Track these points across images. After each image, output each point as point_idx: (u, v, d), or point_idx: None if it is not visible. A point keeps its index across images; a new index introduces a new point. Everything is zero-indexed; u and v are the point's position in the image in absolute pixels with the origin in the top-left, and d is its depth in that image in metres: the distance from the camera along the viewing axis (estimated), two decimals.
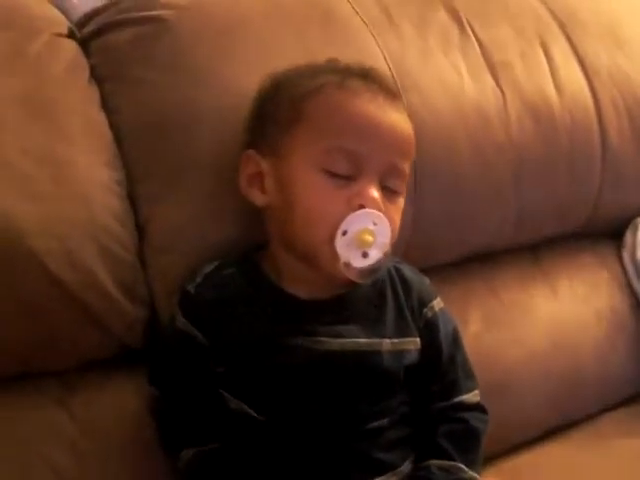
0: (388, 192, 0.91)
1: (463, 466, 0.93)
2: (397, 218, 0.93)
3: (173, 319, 0.95)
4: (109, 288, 0.93)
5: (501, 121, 1.20)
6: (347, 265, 0.87)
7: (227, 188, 0.98)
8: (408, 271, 1.00)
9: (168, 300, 0.97)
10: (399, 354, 0.93)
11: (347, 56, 1.01)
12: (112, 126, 1.00)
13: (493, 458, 1.13)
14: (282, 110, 0.92)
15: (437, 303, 0.99)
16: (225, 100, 1.00)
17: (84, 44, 1.05)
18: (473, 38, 1.23)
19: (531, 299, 1.29)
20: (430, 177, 1.12)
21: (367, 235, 0.86)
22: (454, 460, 0.93)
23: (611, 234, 1.43)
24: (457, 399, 0.97)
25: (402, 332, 0.95)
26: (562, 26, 1.33)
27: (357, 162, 0.89)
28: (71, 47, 1.03)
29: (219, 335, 0.92)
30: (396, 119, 0.92)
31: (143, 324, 0.98)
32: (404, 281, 0.98)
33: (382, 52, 1.13)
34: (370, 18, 1.16)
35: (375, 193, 0.88)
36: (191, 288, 0.94)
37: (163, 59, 1.02)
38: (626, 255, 1.40)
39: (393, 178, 0.92)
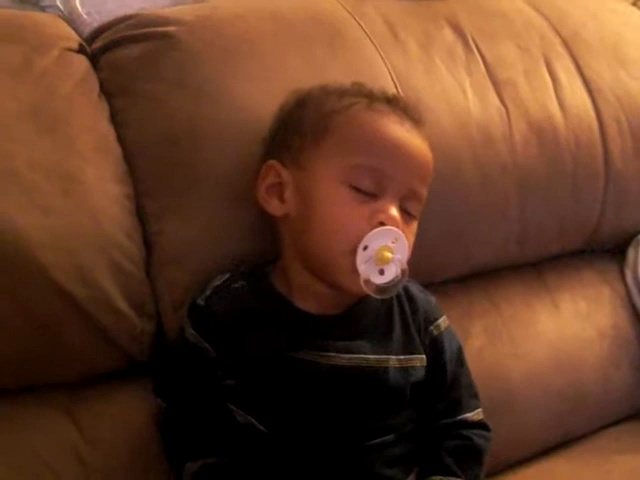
0: (405, 215, 0.92)
1: None
2: (411, 240, 0.94)
3: (182, 331, 0.95)
4: (117, 302, 0.94)
5: (505, 139, 1.20)
6: (367, 281, 0.87)
7: (235, 203, 0.99)
8: (415, 289, 1.00)
9: (175, 313, 0.98)
10: (405, 371, 0.94)
11: (353, 73, 1.02)
12: (121, 140, 1.01)
13: (495, 474, 1.13)
14: (309, 122, 0.93)
15: (443, 321, 1.00)
16: (232, 116, 1.01)
17: (94, 59, 1.06)
18: (478, 56, 1.24)
19: (534, 315, 1.29)
20: (434, 194, 1.11)
21: (387, 252, 0.87)
22: (457, 476, 0.94)
23: (613, 251, 1.43)
24: (461, 417, 0.98)
25: (409, 349, 0.95)
26: (566, 45, 1.33)
27: (381, 181, 0.90)
28: (81, 62, 1.04)
29: (228, 348, 0.92)
30: (420, 144, 0.94)
31: (150, 337, 0.99)
32: (411, 298, 0.99)
33: (388, 70, 1.14)
34: (376, 36, 1.17)
35: (395, 212, 0.90)
36: (201, 301, 0.95)
37: (171, 75, 1.02)
38: (628, 272, 1.40)
39: (412, 202, 0.93)
